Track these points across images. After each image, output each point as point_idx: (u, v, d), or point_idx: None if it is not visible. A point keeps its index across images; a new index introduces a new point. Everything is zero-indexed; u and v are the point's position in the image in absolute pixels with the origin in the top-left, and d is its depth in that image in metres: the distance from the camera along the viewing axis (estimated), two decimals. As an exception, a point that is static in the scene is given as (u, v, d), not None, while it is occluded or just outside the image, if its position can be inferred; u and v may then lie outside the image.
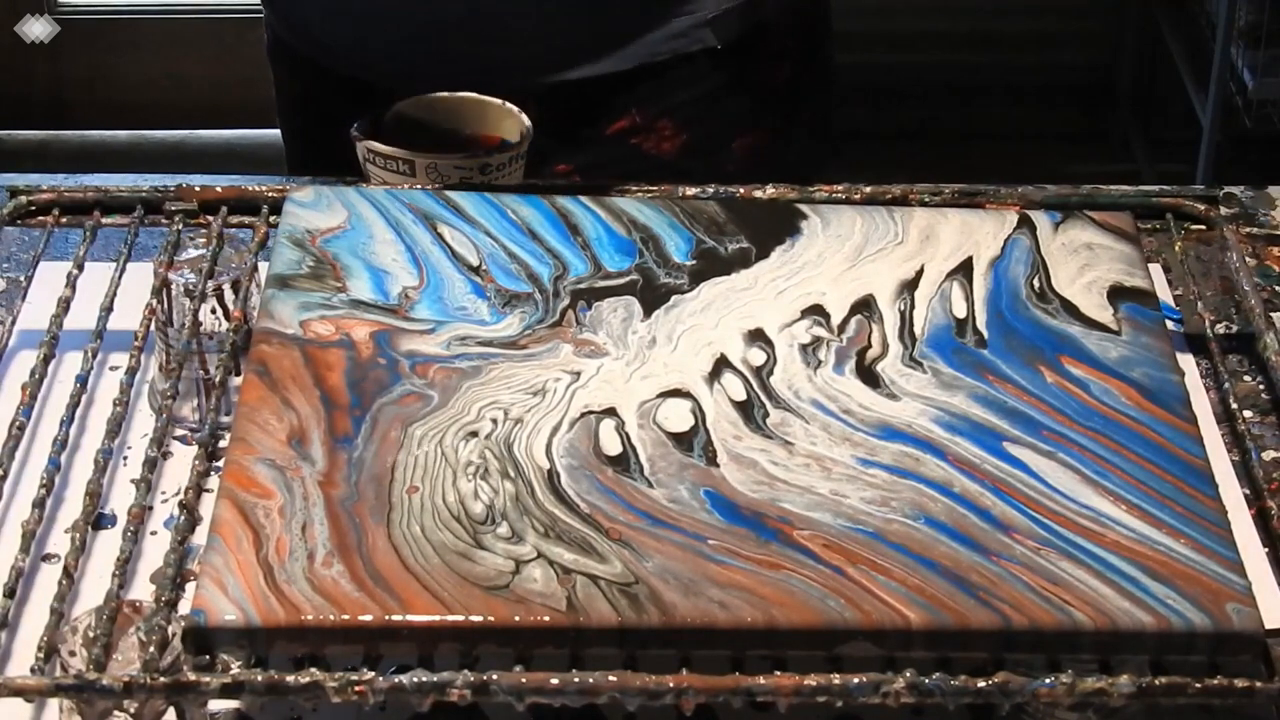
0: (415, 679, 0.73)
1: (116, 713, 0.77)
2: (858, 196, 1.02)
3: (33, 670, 0.75)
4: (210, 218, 0.99)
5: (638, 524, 0.78)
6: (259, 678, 0.73)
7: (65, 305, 0.95)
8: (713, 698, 0.74)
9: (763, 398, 0.86)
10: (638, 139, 1.25)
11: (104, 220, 1.01)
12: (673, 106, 1.25)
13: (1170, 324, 0.96)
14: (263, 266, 0.95)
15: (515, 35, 1.21)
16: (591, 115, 1.25)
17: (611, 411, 0.85)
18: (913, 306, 0.92)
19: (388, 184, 1.04)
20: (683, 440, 0.83)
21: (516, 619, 0.74)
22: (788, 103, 1.30)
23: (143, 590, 0.85)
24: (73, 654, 0.76)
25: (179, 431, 0.96)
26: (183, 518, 0.80)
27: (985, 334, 0.90)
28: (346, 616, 0.74)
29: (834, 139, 1.37)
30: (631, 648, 0.75)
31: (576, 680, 0.73)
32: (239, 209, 1.00)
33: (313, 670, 0.73)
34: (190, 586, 0.77)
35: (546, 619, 0.74)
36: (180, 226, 0.99)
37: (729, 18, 1.22)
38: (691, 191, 1.01)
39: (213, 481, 0.84)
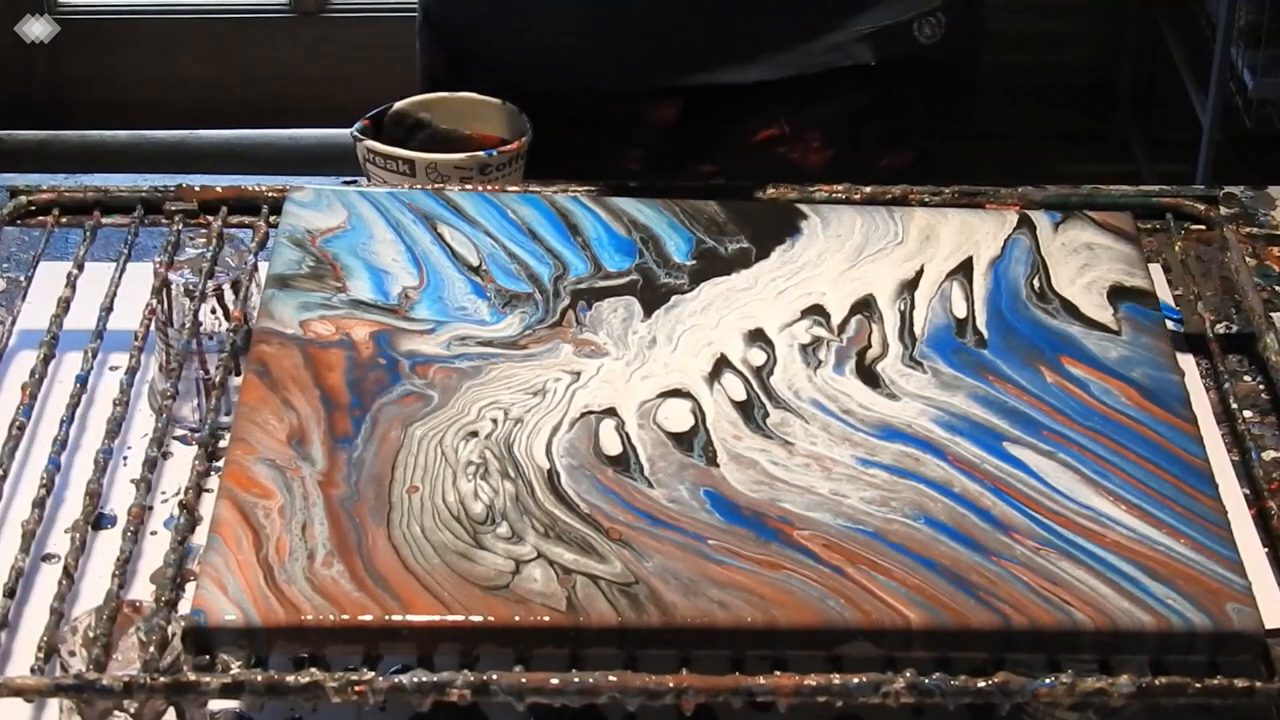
0: (415, 679, 0.73)
1: (116, 713, 0.77)
2: (858, 196, 1.02)
3: (33, 670, 0.74)
4: (210, 218, 0.99)
5: (638, 524, 0.78)
6: (259, 678, 0.73)
7: (65, 305, 0.95)
8: (713, 698, 0.74)
9: (763, 398, 0.86)
10: (784, 149, 1.25)
11: (104, 220, 1.01)
12: (822, 120, 1.24)
13: (1170, 324, 0.96)
14: (263, 266, 0.95)
15: (665, 33, 1.21)
16: (741, 120, 1.24)
17: (611, 411, 0.85)
18: (913, 306, 0.92)
19: (388, 184, 1.04)
20: (683, 440, 0.83)
21: (516, 619, 0.74)
22: (933, 124, 1.29)
23: (143, 590, 0.85)
24: (73, 654, 0.76)
25: (179, 431, 0.95)
26: (183, 518, 0.80)
27: (985, 334, 0.90)
28: (346, 616, 0.74)
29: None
30: (631, 648, 0.74)
31: (576, 680, 0.73)
32: (239, 209, 1.00)
33: (313, 670, 0.73)
34: (190, 586, 0.77)
35: (546, 619, 0.74)
36: (180, 226, 0.99)
37: (886, 35, 1.22)
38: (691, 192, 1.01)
39: (213, 481, 0.84)
